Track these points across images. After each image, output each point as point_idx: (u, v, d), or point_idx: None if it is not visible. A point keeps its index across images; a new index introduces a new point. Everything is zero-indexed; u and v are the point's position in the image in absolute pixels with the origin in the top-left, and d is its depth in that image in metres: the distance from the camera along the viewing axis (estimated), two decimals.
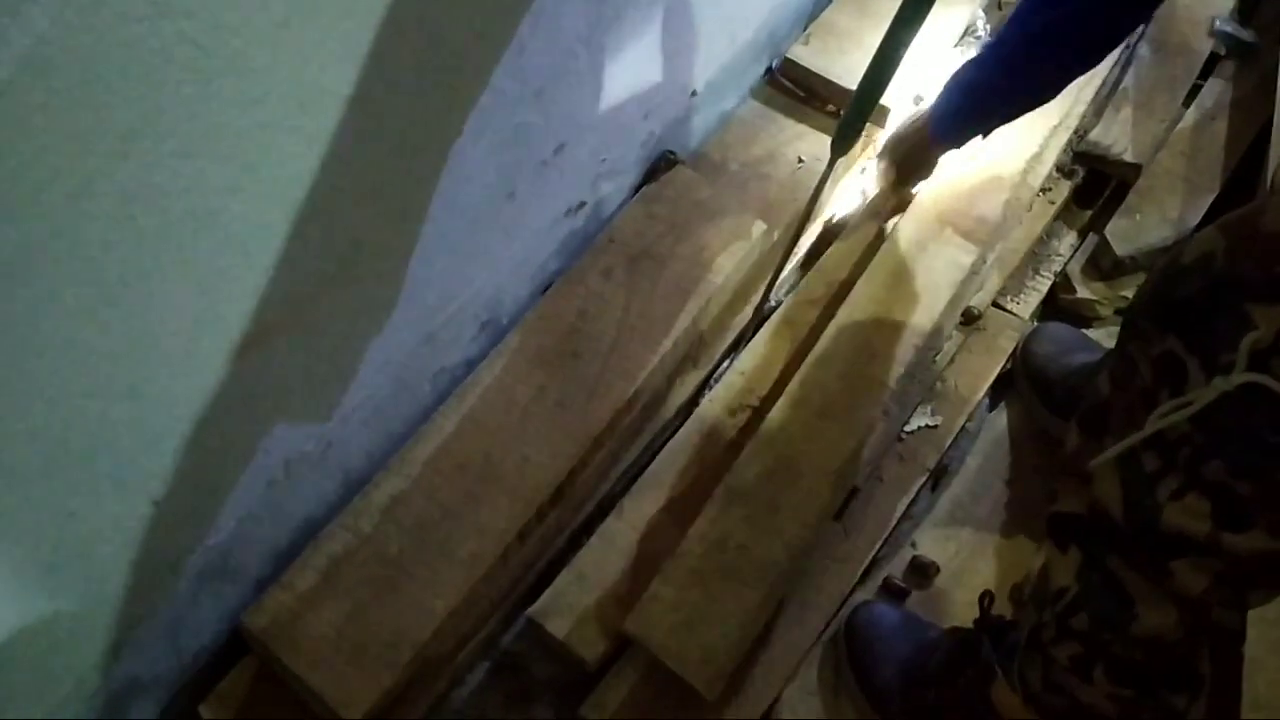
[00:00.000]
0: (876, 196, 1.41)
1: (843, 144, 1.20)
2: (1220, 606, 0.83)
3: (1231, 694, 1.02)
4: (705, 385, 1.31)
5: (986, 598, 1.05)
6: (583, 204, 1.22)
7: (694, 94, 1.33)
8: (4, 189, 0.57)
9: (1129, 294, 1.43)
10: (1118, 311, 1.43)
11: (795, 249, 1.30)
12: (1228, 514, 0.77)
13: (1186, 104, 1.55)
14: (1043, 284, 1.44)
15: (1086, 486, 0.88)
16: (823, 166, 1.24)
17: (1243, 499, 0.76)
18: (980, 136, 1.19)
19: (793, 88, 1.49)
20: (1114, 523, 0.84)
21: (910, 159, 1.32)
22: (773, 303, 1.35)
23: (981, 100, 1.13)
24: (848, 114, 1.18)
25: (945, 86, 1.17)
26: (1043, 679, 0.94)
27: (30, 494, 0.72)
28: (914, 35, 1.08)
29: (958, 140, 1.22)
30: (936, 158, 1.31)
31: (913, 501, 1.26)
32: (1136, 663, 0.87)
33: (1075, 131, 1.49)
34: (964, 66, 1.14)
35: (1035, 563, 0.96)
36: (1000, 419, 1.35)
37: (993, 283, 1.41)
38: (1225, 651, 1.03)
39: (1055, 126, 1.45)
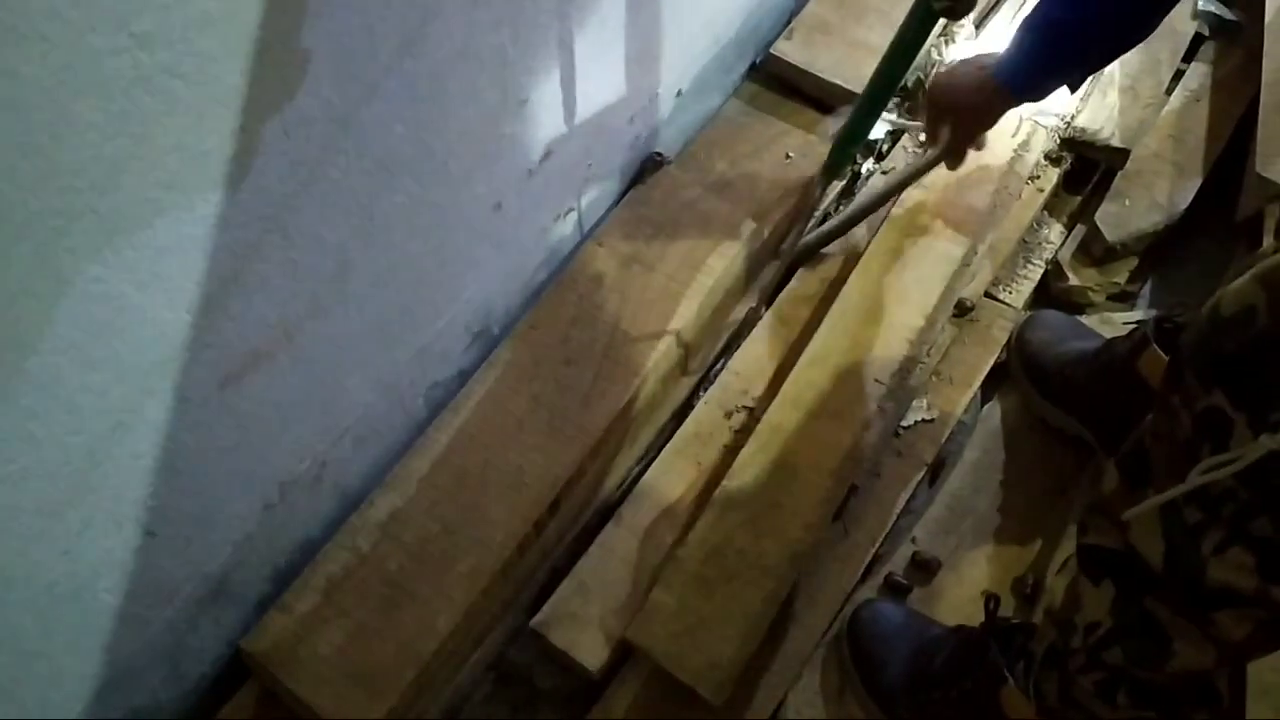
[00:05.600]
0: (926, 161, 1.24)
1: (836, 171, 1.16)
2: (1260, 650, 0.82)
3: (1237, 684, 1.02)
4: (700, 388, 1.30)
5: (991, 600, 1.05)
6: (571, 210, 1.21)
7: (679, 94, 1.32)
8: None
9: (1121, 279, 1.43)
10: (1110, 298, 1.43)
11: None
12: (1275, 567, 0.75)
13: (1171, 87, 1.55)
14: (1035, 272, 1.44)
15: (1122, 528, 0.86)
16: (810, 162, 1.23)
17: None
18: (1068, 90, 1.05)
19: (778, 84, 1.48)
20: (1153, 572, 0.83)
21: (973, 114, 1.11)
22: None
23: (1061, 41, 0.98)
24: (841, 138, 1.14)
25: (1019, 28, 1.02)
26: (1059, 694, 0.93)
27: (24, 534, 0.72)
28: (915, 56, 1.05)
29: (1036, 92, 1.04)
30: (1003, 112, 1.09)
31: (912, 496, 1.26)
32: (1162, 687, 0.87)
33: (1062, 119, 1.48)
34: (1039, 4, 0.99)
35: (1057, 583, 0.94)
36: (996, 410, 1.34)
37: (985, 273, 1.40)
38: None
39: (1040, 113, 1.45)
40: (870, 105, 1.08)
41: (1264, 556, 0.75)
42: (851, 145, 1.13)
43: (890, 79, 1.06)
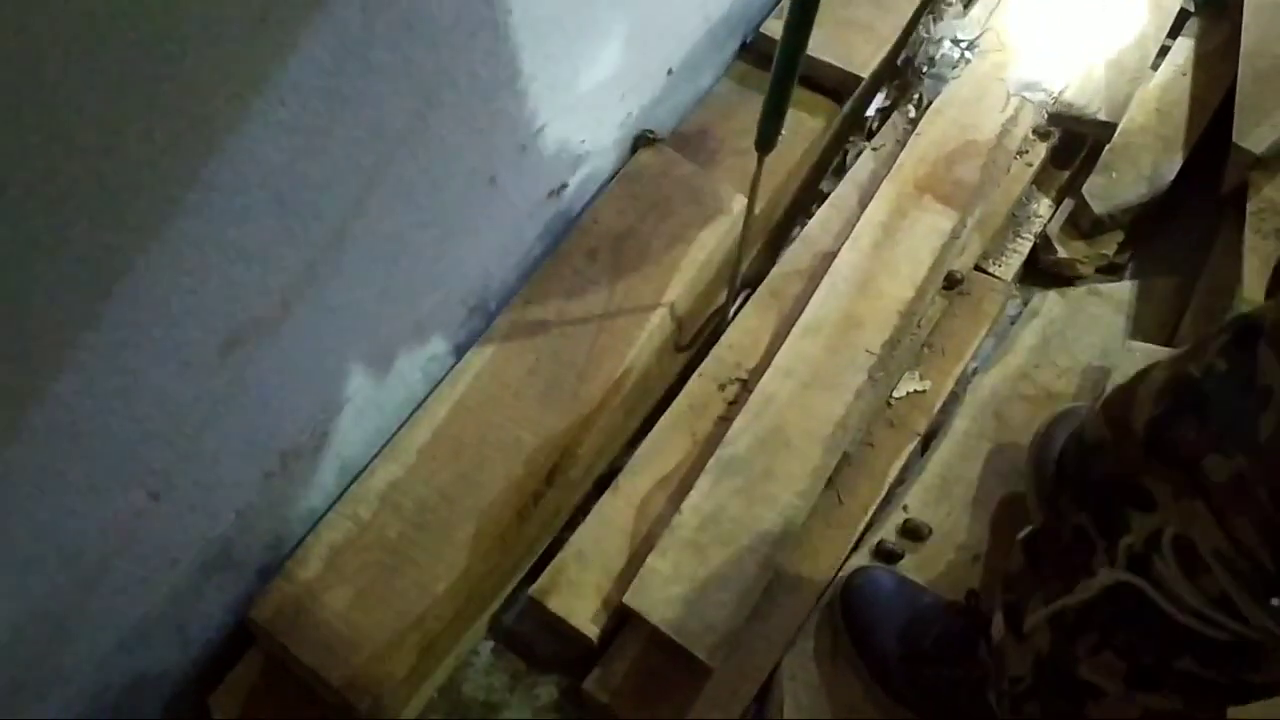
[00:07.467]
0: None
1: (767, 142, 1.16)
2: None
3: None
4: (694, 360, 1.32)
5: (972, 598, 1.06)
6: (564, 186, 1.23)
7: (670, 73, 1.34)
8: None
9: (1109, 251, 1.45)
10: (1099, 270, 1.45)
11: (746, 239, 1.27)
12: (1139, 676, 0.80)
13: (1157, 62, 1.57)
14: (1024, 246, 1.46)
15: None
16: (800, 139, 1.24)
17: (1149, 666, 0.79)
18: None
19: (769, 63, 1.49)
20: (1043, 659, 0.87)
21: None
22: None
23: None
24: (766, 112, 1.14)
25: None
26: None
27: (29, 494, 0.74)
28: (811, 23, 1.04)
29: None
30: None
31: (904, 465, 1.28)
32: None
33: (1050, 94, 1.50)
34: None
35: (997, 619, 0.96)
36: (986, 381, 1.36)
37: (974, 247, 1.42)
38: None
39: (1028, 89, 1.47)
40: (782, 75, 1.07)
41: (1132, 665, 0.80)
42: (775, 118, 1.13)
43: (794, 48, 1.05)
